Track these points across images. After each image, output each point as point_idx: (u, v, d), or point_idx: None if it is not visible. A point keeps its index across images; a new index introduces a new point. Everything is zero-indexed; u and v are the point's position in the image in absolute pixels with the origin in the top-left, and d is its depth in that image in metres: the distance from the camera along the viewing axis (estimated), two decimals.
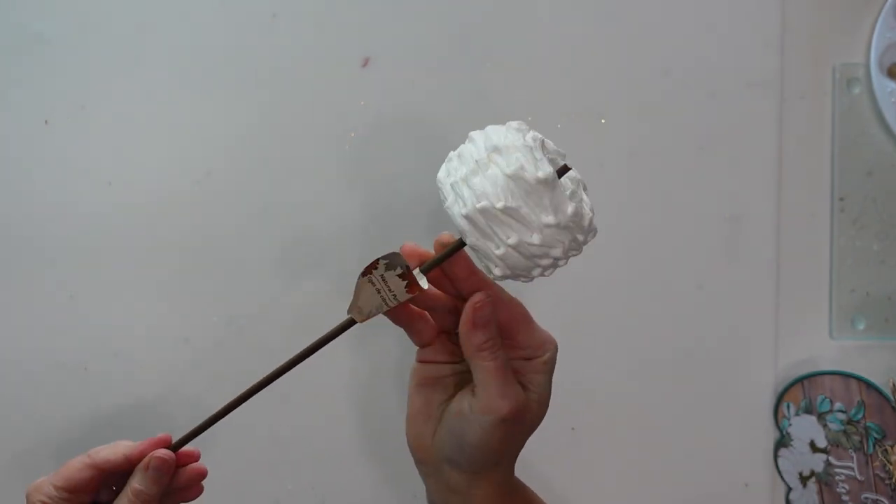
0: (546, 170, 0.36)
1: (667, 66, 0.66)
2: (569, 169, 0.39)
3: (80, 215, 0.64)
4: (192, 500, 0.46)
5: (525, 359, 0.42)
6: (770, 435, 0.67)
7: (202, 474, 0.45)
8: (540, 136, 0.39)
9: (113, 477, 0.44)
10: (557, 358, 0.43)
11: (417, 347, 0.44)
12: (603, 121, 0.66)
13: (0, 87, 0.64)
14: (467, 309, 0.40)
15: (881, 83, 0.66)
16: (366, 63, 0.65)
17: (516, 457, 0.44)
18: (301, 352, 0.42)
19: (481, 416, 0.40)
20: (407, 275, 0.39)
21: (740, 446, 0.67)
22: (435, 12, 0.65)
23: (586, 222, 0.38)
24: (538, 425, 0.43)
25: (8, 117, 0.64)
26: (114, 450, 0.44)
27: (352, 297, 0.40)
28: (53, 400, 0.64)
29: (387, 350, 0.66)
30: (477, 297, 0.40)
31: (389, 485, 0.66)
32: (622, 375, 0.66)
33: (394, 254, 0.39)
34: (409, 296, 0.39)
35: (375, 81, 0.65)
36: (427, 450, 0.43)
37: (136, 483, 0.43)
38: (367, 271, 0.40)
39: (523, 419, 0.41)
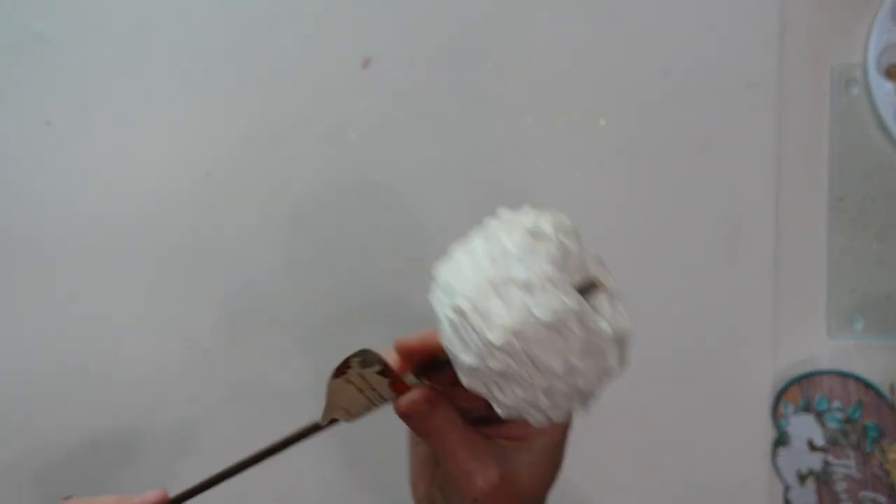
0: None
1: (667, 66, 0.66)
2: (596, 285, 0.31)
3: (80, 215, 0.64)
4: None
5: None
6: (768, 434, 0.68)
7: None
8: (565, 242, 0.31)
9: None
10: None
11: None
12: (603, 121, 0.66)
13: (0, 88, 0.64)
14: (397, 409, 0.34)
15: (879, 84, 0.66)
16: (366, 63, 0.65)
17: None
18: (260, 451, 0.38)
19: (455, 495, 0.35)
20: (388, 371, 0.34)
21: (738, 445, 0.68)
22: (435, 12, 0.65)
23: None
24: (544, 495, 0.37)
25: (8, 118, 0.64)
26: None
27: (325, 401, 0.35)
28: (53, 400, 0.64)
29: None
30: (403, 403, 0.34)
31: (390, 485, 0.66)
32: (621, 375, 0.67)
33: (365, 351, 0.33)
34: (395, 395, 0.34)
35: (375, 81, 0.65)
36: None
37: None
38: (341, 372, 0.34)
39: (505, 496, 0.34)
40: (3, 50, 0.63)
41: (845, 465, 0.66)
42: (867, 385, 0.66)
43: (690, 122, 0.66)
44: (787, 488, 0.67)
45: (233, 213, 0.65)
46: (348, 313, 0.65)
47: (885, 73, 0.66)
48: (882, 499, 0.66)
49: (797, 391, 0.67)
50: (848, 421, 0.66)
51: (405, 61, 0.65)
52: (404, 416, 0.34)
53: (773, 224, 0.67)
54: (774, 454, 0.68)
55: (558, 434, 0.35)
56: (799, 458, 0.67)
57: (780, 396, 0.67)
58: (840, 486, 0.66)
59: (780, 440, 0.67)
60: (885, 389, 0.66)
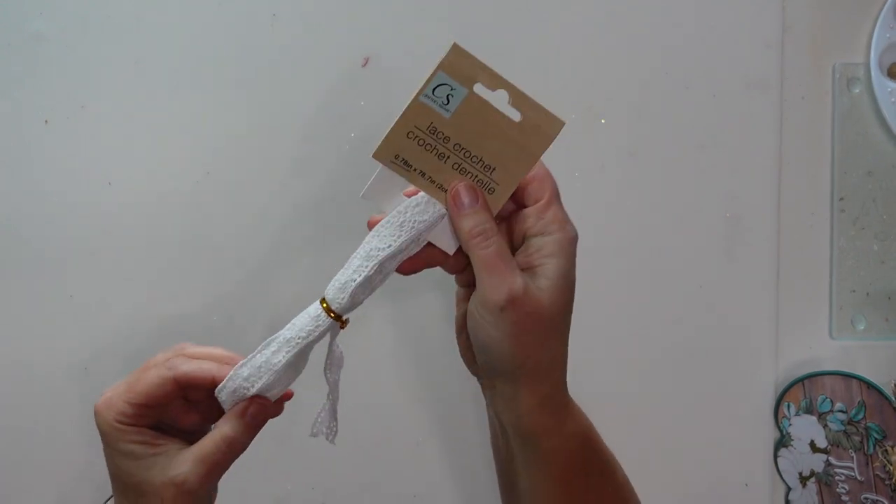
0: None
1: (667, 66, 0.66)
2: None
3: (80, 215, 0.64)
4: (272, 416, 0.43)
5: (536, 235, 0.41)
6: (770, 435, 0.67)
7: (289, 397, 0.44)
8: None
9: (191, 391, 0.41)
10: None
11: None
12: (603, 121, 0.66)
13: None
14: (448, 198, 0.41)
15: (881, 83, 0.66)
16: (366, 63, 0.65)
17: (555, 367, 0.41)
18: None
19: (482, 311, 0.39)
20: None
21: (740, 446, 0.67)
22: (435, 12, 0.65)
23: None
24: (562, 321, 0.41)
25: (7, 116, 0.64)
26: (198, 368, 0.41)
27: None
28: (53, 400, 0.64)
29: (386, 351, 0.66)
30: (453, 187, 0.41)
31: (390, 485, 0.66)
32: (622, 375, 0.66)
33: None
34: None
35: (375, 81, 0.65)
36: (471, 361, 0.43)
37: (229, 430, 0.40)
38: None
39: (527, 310, 0.39)
40: (2, 48, 0.63)
41: (847, 467, 0.66)
42: (870, 386, 0.65)
43: (691, 121, 0.66)
44: (788, 490, 0.67)
45: (232, 213, 0.65)
46: None
47: (887, 73, 0.66)
48: (884, 501, 0.65)
49: (799, 392, 0.67)
50: (850, 422, 0.66)
51: (405, 60, 0.65)
52: (456, 200, 0.40)
53: (775, 224, 0.66)
54: (776, 455, 0.67)
55: (567, 262, 0.40)
56: (801, 459, 0.67)
57: (782, 397, 0.67)
58: (842, 489, 0.66)
59: (782, 441, 0.67)
60: (887, 390, 0.65)
